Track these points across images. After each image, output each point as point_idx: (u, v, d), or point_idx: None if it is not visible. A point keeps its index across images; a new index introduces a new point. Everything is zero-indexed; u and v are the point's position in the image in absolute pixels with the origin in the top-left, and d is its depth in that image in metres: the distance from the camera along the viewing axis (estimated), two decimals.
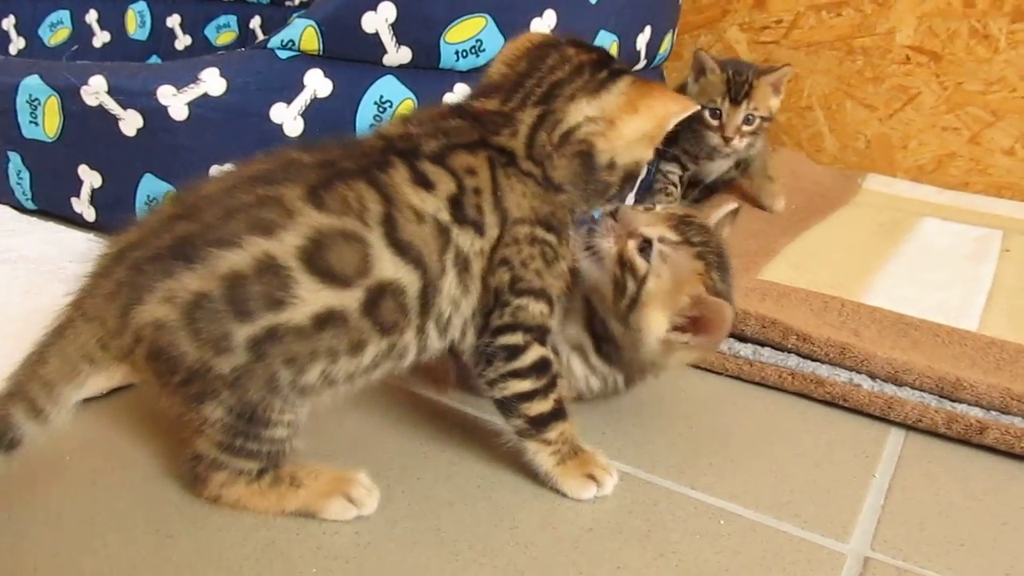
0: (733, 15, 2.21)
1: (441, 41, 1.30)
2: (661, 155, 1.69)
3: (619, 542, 0.82)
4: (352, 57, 1.29)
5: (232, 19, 2.36)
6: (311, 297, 0.74)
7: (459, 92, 1.34)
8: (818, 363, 1.12)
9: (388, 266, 0.77)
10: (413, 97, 1.32)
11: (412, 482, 0.88)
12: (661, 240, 0.93)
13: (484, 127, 0.87)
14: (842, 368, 1.11)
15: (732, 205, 1.05)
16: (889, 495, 0.93)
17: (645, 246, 0.93)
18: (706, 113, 1.71)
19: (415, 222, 0.79)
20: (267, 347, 0.74)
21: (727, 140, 1.71)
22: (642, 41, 1.59)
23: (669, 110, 0.88)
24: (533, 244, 0.85)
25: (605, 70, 0.88)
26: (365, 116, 1.30)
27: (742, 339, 1.17)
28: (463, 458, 0.93)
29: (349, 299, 0.75)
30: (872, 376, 1.10)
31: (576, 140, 0.86)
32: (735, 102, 1.70)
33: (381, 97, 1.30)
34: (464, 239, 0.81)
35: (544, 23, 1.38)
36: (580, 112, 0.86)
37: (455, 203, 0.81)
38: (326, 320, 0.75)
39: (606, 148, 0.87)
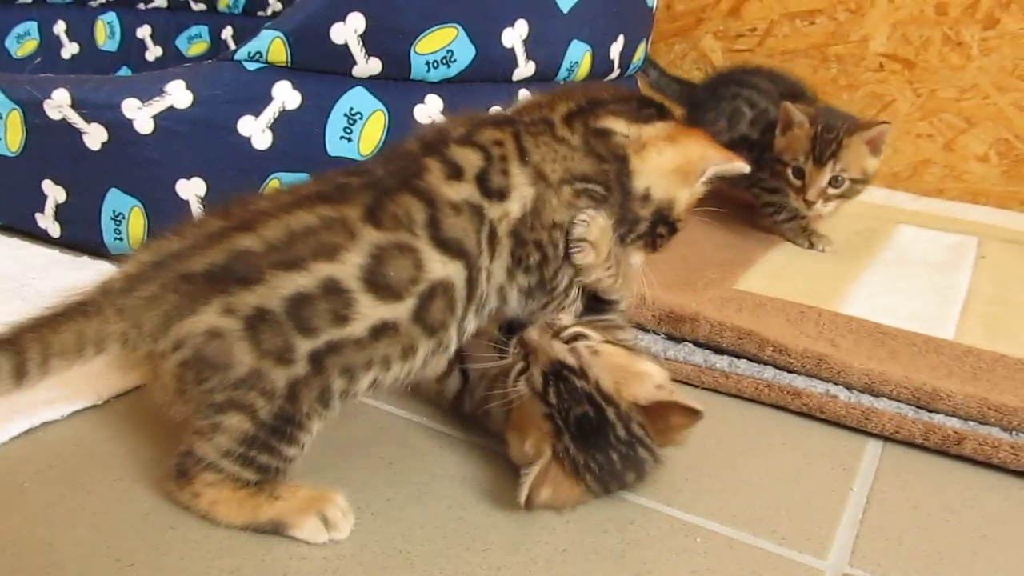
0: (708, 23, 2.21)
1: (412, 52, 1.28)
2: (762, 188, 1.66)
3: (594, 562, 0.80)
4: (321, 68, 1.27)
5: (204, 29, 2.34)
6: (370, 312, 0.77)
7: (430, 103, 1.33)
8: (795, 374, 1.11)
9: (438, 267, 0.80)
10: (384, 109, 1.30)
11: (382, 504, 0.86)
12: (529, 379, 0.86)
13: (518, 114, 0.92)
14: (819, 379, 1.10)
15: (694, 405, 0.85)
16: (867, 509, 0.92)
17: (522, 373, 0.88)
18: (789, 171, 1.57)
19: (454, 215, 0.82)
20: (327, 359, 0.76)
21: (808, 204, 1.55)
22: (615, 50, 1.58)
23: (707, 154, 0.91)
24: (580, 195, 0.87)
25: (653, 109, 0.93)
26: (335, 128, 1.28)
27: (718, 351, 1.16)
28: (435, 477, 0.91)
29: (402, 309, 0.79)
30: (849, 387, 1.09)
31: (615, 143, 0.89)
32: (819, 162, 1.52)
33: (351, 109, 1.29)
34: (494, 211, 0.84)
35: (516, 33, 1.37)
36: (617, 125, 0.90)
37: (482, 178, 0.84)
38: (381, 330, 0.78)
39: (639, 168, 0.90)
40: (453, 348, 0.87)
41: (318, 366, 0.76)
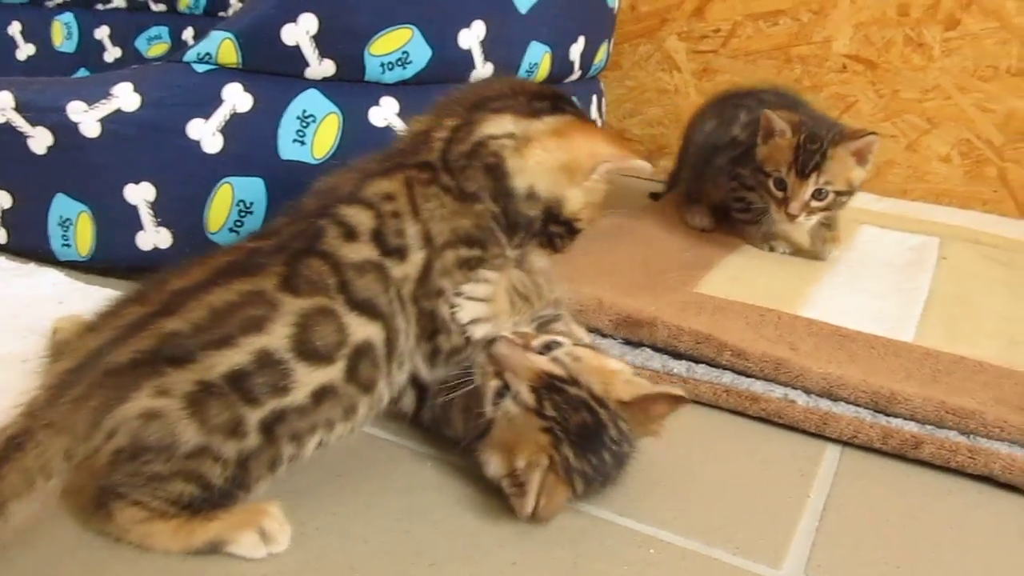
0: (672, 24, 2.20)
1: (366, 53, 1.26)
2: (742, 184, 1.62)
3: None
4: (273, 70, 1.25)
5: (164, 30, 2.30)
6: (307, 379, 0.77)
7: (385, 105, 1.30)
8: (753, 379, 1.10)
9: (358, 329, 0.80)
10: (337, 111, 1.28)
11: (327, 518, 0.83)
12: (515, 397, 0.84)
13: (405, 150, 0.89)
14: (777, 384, 1.09)
15: (677, 391, 0.87)
16: (824, 516, 0.91)
17: (503, 391, 0.85)
18: (770, 182, 1.51)
19: (360, 277, 0.81)
20: (276, 428, 0.76)
21: (790, 217, 1.49)
22: (576, 51, 1.57)
23: (597, 151, 0.88)
24: (461, 267, 0.86)
25: (548, 103, 0.89)
26: (287, 131, 1.25)
27: (676, 356, 1.15)
28: (383, 489, 0.88)
29: (335, 372, 0.79)
30: (807, 391, 1.08)
31: (486, 152, 0.87)
32: (802, 174, 1.46)
33: (304, 111, 1.26)
34: (396, 270, 0.84)
35: (473, 34, 1.34)
36: (499, 126, 0.87)
37: (378, 237, 0.83)
38: (321, 395, 0.78)
39: (518, 167, 0.87)
40: (386, 401, 0.87)
41: (269, 435, 0.76)
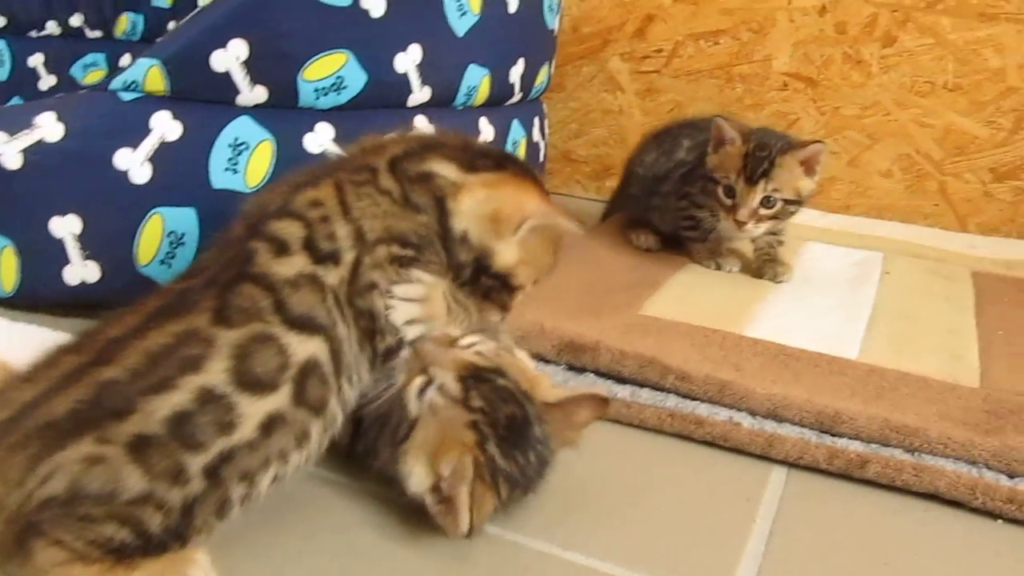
0: (614, 45, 2.20)
1: (299, 79, 1.23)
2: (691, 201, 1.62)
3: None
4: (202, 97, 1.21)
5: (100, 57, 2.25)
6: (252, 410, 0.75)
7: (320, 131, 1.28)
8: (698, 402, 1.09)
9: (299, 348, 0.78)
10: (271, 138, 1.25)
11: (258, 563, 0.80)
12: (440, 388, 0.83)
13: (344, 160, 0.90)
14: (722, 406, 1.08)
15: (600, 393, 0.87)
16: (771, 540, 0.89)
17: (425, 387, 0.84)
18: (720, 190, 1.52)
19: (295, 292, 0.79)
20: (222, 470, 0.73)
21: (739, 224, 1.50)
22: (516, 74, 1.56)
23: (524, 205, 0.88)
24: (393, 263, 0.84)
25: (492, 160, 0.91)
26: (219, 159, 1.22)
27: (621, 380, 1.13)
28: (317, 529, 0.85)
29: (281, 398, 0.76)
30: (752, 413, 1.07)
31: (435, 185, 0.87)
32: (751, 181, 1.48)
33: (236, 139, 1.23)
34: (331, 276, 0.81)
35: (409, 58, 1.33)
36: (444, 168, 0.88)
37: (309, 245, 0.81)
38: (270, 425, 0.76)
39: (456, 209, 0.87)
40: (340, 421, 0.84)
41: (215, 479, 0.73)
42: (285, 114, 1.26)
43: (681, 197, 1.65)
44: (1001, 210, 2.02)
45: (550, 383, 0.87)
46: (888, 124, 2.03)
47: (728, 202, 1.52)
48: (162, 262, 1.22)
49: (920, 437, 1.01)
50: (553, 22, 1.71)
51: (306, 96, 1.26)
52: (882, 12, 1.97)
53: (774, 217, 1.52)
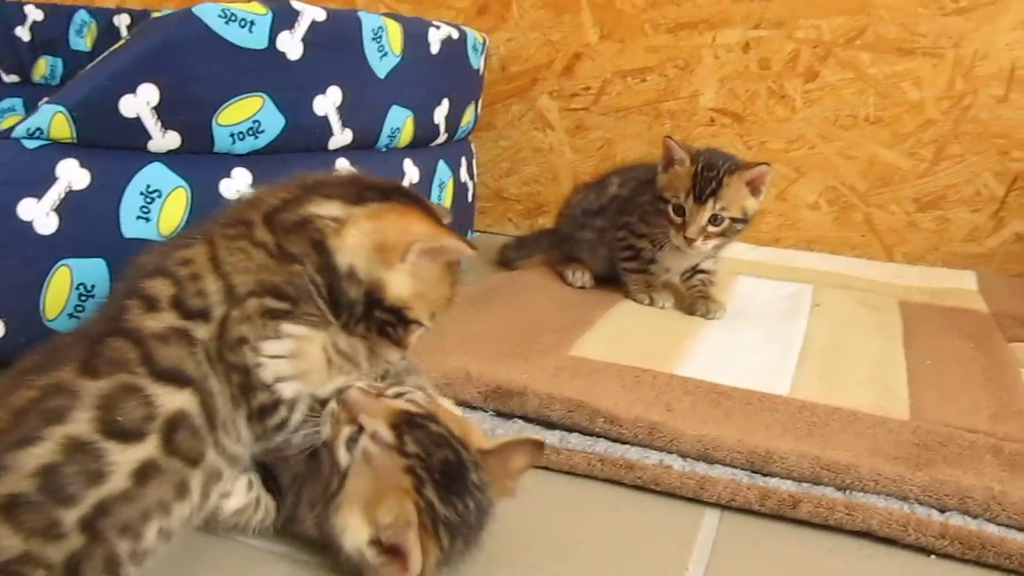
0: (543, 83, 2.20)
1: (213, 123, 1.20)
2: (631, 231, 1.64)
3: None
4: (112, 144, 1.17)
5: (17, 102, 2.19)
6: (122, 458, 0.73)
7: (237, 177, 1.24)
8: (628, 445, 1.07)
9: (167, 399, 0.76)
10: (185, 185, 1.21)
11: None
12: (373, 436, 0.80)
13: (220, 216, 0.89)
14: (652, 449, 1.06)
15: (535, 438, 0.85)
16: None
17: (356, 436, 0.81)
18: (670, 208, 1.55)
19: (163, 346, 0.78)
20: (100, 523, 0.71)
21: (688, 241, 1.53)
22: (440, 114, 1.54)
23: (410, 231, 0.87)
24: (263, 316, 0.82)
25: (379, 192, 0.89)
26: (130, 208, 1.18)
27: (549, 425, 1.10)
28: None
29: (150, 447, 0.75)
30: (683, 455, 1.05)
31: (312, 228, 0.86)
32: (700, 200, 1.51)
33: (148, 187, 1.19)
34: (201, 331, 0.80)
35: (329, 101, 1.30)
36: (327, 209, 0.86)
37: (177, 302, 0.80)
38: (142, 473, 0.74)
39: (339, 246, 0.85)
40: (227, 474, 0.82)
41: (94, 533, 0.70)
42: (200, 160, 1.23)
43: (620, 227, 1.67)
44: (926, 239, 2.05)
45: (481, 431, 0.85)
46: (813, 157, 2.05)
47: (678, 220, 1.55)
48: (71, 315, 1.17)
49: (851, 474, 1.00)
50: (478, 62, 1.70)
51: (222, 141, 1.22)
52: (804, 48, 2.01)
53: (721, 234, 1.55)
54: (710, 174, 1.51)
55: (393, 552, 0.76)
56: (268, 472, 0.90)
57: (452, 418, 0.84)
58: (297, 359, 0.82)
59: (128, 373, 0.76)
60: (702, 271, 1.68)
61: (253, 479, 0.88)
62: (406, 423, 0.80)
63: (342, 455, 0.80)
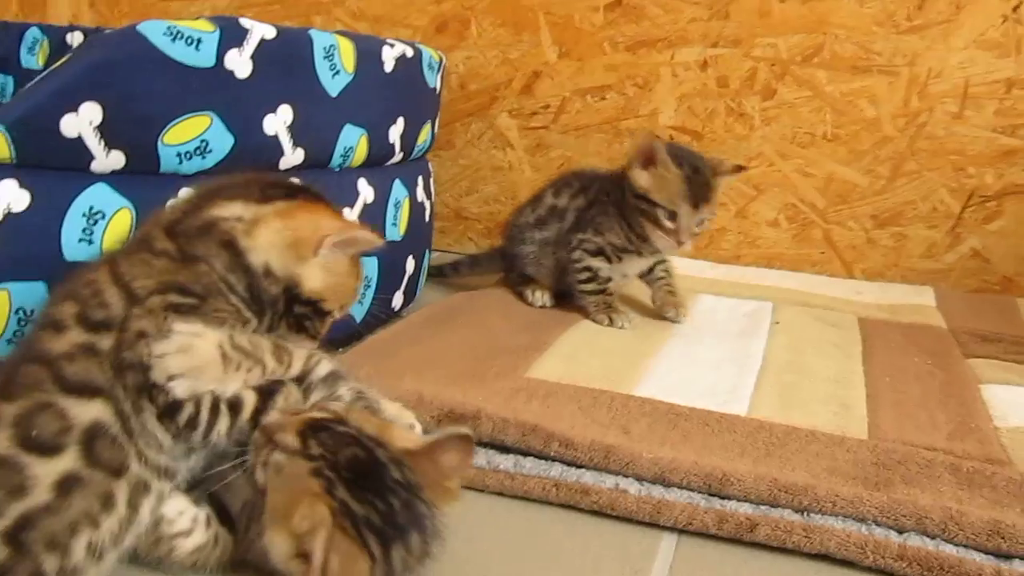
0: (502, 102, 2.19)
1: (159, 143, 1.17)
2: (585, 250, 1.63)
3: None
4: (53, 164, 1.13)
5: None
6: (43, 471, 0.74)
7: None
8: (583, 469, 1.05)
9: (80, 411, 0.78)
10: (130, 206, 1.17)
11: None
12: (280, 447, 0.79)
13: (123, 243, 0.94)
14: (608, 473, 1.04)
15: (462, 431, 0.82)
16: None
17: (270, 453, 0.80)
18: (660, 213, 1.53)
19: (70, 363, 0.80)
20: (24, 536, 0.72)
21: (679, 244, 1.55)
22: (395, 133, 1.52)
23: (320, 225, 0.89)
24: (167, 310, 0.83)
25: (282, 190, 0.92)
26: (72, 230, 1.14)
27: (504, 450, 1.08)
28: None
29: (70, 458, 0.76)
30: (639, 478, 1.03)
31: (219, 231, 0.87)
32: (695, 206, 1.52)
33: (91, 208, 1.15)
34: (105, 341, 0.81)
35: (279, 119, 1.28)
36: (231, 210, 0.88)
37: (82, 319, 0.82)
38: (65, 485, 0.74)
39: (251, 246, 0.88)
40: (156, 486, 0.81)
41: (18, 546, 0.72)
42: (145, 180, 1.19)
43: (573, 248, 1.65)
44: (884, 255, 2.06)
45: (414, 434, 0.84)
46: (772, 175, 2.06)
47: (670, 226, 1.54)
48: (9, 341, 1.13)
49: (809, 496, 0.99)
50: (434, 80, 1.68)
51: (168, 161, 1.19)
52: (761, 66, 2.01)
53: (696, 235, 1.59)
54: (700, 179, 1.53)
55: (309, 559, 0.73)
56: (221, 504, 0.88)
57: (367, 420, 0.83)
58: (186, 355, 0.81)
59: (40, 392, 0.77)
60: (662, 261, 1.70)
61: (210, 515, 0.86)
62: (311, 428, 0.79)
63: (259, 474, 0.80)
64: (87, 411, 0.78)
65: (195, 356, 0.81)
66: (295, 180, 0.97)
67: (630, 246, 1.62)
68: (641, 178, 1.56)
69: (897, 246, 2.05)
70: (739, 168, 1.63)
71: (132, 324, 0.81)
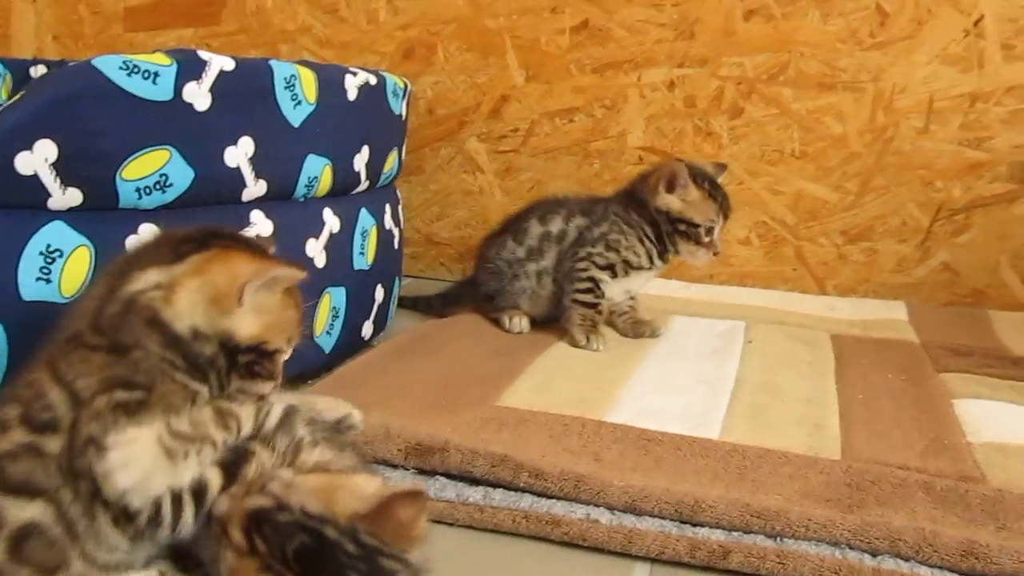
0: (471, 126, 2.18)
1: (117, 178, 1.15)
2: (594, 262, 1.65)
3: None
4: (7, 203, 1.11)
5: None
6: None
7: (145, 233, 1.19)
8: (554, 500, 1.03)
9: (16, 512, 0.76)
10: (88, 243, 1.15)
11: None
12: (230, 546, 0.77)
13: (59, 334, 0.86)
14: (579, 503, 1.03)
15: (410, 487, 0.79)
16: None
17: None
18: (701, 231, 1.64)
19: (13, 463, 0.77)
20: None
21: (717, 254, 1.67)
22: (360, 162, 1.51)
23: (236, 273, 0.85)
24: (116, 410, 0.79)
25: (194, 244, 0.87)
26: (29, 269, 1.12)
27: (473, 482, 1.07)
28: None
29: None
30: (610, 508, 1.02)
31: (140, 307, 0.83)
32: (726, 216, 1.67)
33: (48, 247, 1.13)
34: (51, 444, 0.78)
35: (240, 152, 1.26)
36: (146, 280, 0.84)
37: (25, 419, 0.79)
38: None
39: (173, 314, 0.83)
40: None
41: None
42: (104, 216, 1.17)
43: (581, 259, 1.66)
44: (856, 271, 2.06)
45: (367, 491, 0.78)
46: (742, 193, 2.06)
47: (707, 240, 1.65)
48: None
49: (781, 521, 0.98)
50: (399, 107, 1.67)
51: (127, 197, 1.17)
52: (728, 85, 2.02)
53: None
54: (720, 191, 1.66)
55: None
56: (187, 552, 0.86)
57: (315, 491, 0.78)
58: (128, 468, 0.77)
59: None
60: (631, 296, 1.75)
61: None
62: (255, 521, 0.75)
63: (222, 568, 0.77)
64: (23, 512, 0.76)
65: (137, 465, 0.77)
66: (209, 227, 0.92)
67: (647, 264, 1.69)
68: (673, 203, 1.65)
69: (868, 261, 2.05)
70: (723, 166, 1.77)
71: (81, 429, 0.78)
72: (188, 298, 0.83)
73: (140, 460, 0.77)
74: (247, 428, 0.85)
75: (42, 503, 0.76)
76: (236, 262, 0.86)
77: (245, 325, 0.86)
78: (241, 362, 0.87)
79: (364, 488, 0.77)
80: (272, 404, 0.88)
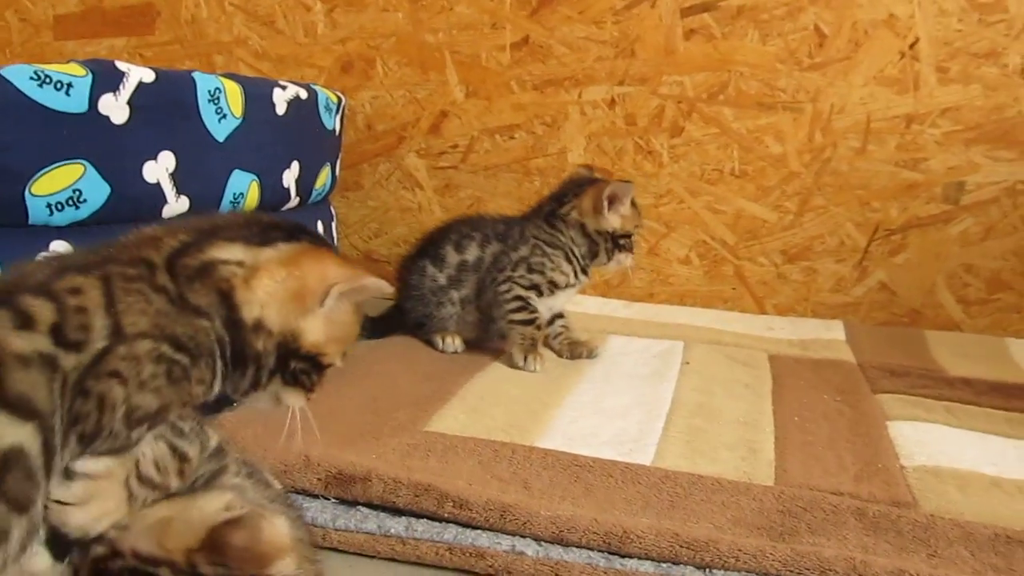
0: (410, 142, 2.15)
1: (27, 194, 1.10)
2: (517, 283, 1.63)
3: None
4: None
5: None
6: None
7: (56, 249, 1.14)
8: (479, 531, 1.00)
9: (6, 432, 0.66)
10: None
11: None
12: None
13: (118, 251, 0.78)
14: (504, 534, 0.99)
15: (233, 515, 0.76)
16: None
17: None
18: (632, 241, 1.70)
19: (22, 369, 0.67)
20: None
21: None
22: (290, 178, 1.47)
23: (327, 274, 0.80)
24: (159, 362, 0.73)
25: (283, 232, 0.82)
26: None
27: (396, 511, 1.03)
28: None
29: None
30: (537, 539, 0.98)
31: (217, 276, 0.77)
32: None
33: None
34: (68, 360, 0.70)
35: (160, 167, 1.22)
36: (229, 252, 0.78)
37: (56, 330, 0.70)
38: None
39: (248, 299, 0.77)
40: (42, 530, 0.72)
41: None
42: (13, 234, 1.12)
43: (503, 282, 1.64)
44: (795, 290, 2.07)
45: (191, 516, 0.75)
46: (682, 212, 2.06)
47: (631, 245, 1.71)
48: None
49: (711, 551, 0.96)
50: (332, 122, 1.64)
51: (37, 213, 1.12)
52: (668, 103, 2.01)
53: None
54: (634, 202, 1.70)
55: None
56: None
57: (145, 530, 0.74)
58: (86, 508, 0.72)
59: None
60: (561, 315, 1.74)
61: None
62: (95, 573, 0.72)
63: None
64: (14, 433, 0.67)
65: (101, 503, 0.73)
66: (295, 221, 0.87)
67: (573, 281, 1.69)
68: (615, 220, 1.67)
69: (807, 280, 2.06)
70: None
71: (111, 361, 0.71)
72: (268, 286, 0.79)
73: (101, 502, 0.73)
74: (197, 473, 0.81)
75: (32, 427, 0.68)
76: (327, 262, 0.81)
77: (314, 329, 0.81)
78: (293, 367, 0.82)
79: (197, 518, 0.73)
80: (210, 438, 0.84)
